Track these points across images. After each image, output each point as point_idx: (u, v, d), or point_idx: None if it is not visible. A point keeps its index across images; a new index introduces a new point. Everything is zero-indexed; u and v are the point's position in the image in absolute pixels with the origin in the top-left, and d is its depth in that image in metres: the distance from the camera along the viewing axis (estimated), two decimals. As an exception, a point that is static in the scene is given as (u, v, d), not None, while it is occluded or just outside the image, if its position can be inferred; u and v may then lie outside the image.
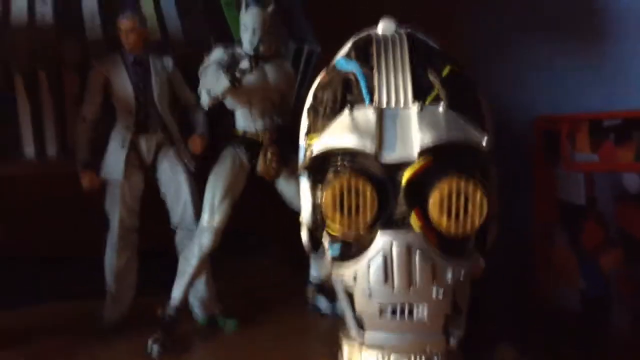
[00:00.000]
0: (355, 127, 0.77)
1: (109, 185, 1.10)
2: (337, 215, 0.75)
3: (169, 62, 1.13)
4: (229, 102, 1.06)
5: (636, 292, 1.32)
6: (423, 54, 0.79)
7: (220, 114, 1.09)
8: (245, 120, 1.08)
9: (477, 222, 0.73)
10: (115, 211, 1.10)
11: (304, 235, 0.87)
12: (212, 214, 1.04)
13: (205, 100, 1.01)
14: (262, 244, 1.34)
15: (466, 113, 0.76)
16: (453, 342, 0.78)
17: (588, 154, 1.40)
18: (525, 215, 1.53)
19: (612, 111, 1.39)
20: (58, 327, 1.12)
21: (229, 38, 1.19)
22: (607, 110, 1.39)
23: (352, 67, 0.81)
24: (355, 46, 0.83)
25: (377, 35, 0.85)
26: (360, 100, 0.78)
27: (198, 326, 1.13)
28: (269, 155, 1.06)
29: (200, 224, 1.05)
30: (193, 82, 1.08)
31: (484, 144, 0.73)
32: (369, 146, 0.75)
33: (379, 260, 0.75)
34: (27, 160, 1.16)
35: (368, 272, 0.76)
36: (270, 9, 1.07)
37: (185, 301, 1.07)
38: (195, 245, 1.05)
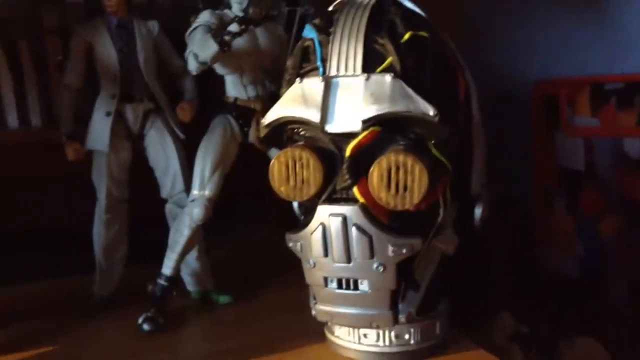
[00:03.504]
0: (303, 97, 0.77)
1: (94, 157, 1.06)
2: (283, 187, 0.76)
3: (154, 26, 1.08)
4: (219, 68, 1.01)
5: (634, 260, 1.30)
6: (388, 20, 0.77)
7: (210, 80, 1.04)
8: (236, 87, 1.03)
9: (416, 196, 0.72)
10: (102, 183, 1.06)
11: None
12: (203, 185, 1.00)
13: (192, 66, 0.96)
14: (262, 219, 1.31)
15: (425, 81, 0.75)
16: (402, 318, 0.79)
17: (588, 118, 1.36)
18: (525, 180, 1.51)
19: (614, 74, 1.37)
20: (47, 306, 1.09)
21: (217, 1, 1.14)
22: (609, 73, 1.37)
23: (311, 35, 0.80)
24: (326, 12, 0.82)
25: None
26: (316, 69, 0.77)
27: (191, 302, 1.10)
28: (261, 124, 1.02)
29: (191, 195, 1.01)
30: (180, 47, 1.03)
31: (431, 114, 0.71)
32: (314, 116, 0.75)
33: (318, 233, 0.75)
34: (10, 130, 1.12)
35: (310, 244, 0.76)
36: None
37: (177, 274, 1.03)
38: (186, 216, 1.01)
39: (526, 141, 1.51)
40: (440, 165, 0.76)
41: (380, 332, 0.82)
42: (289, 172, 0.76)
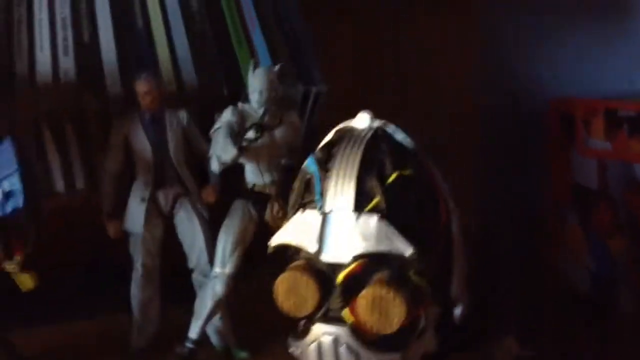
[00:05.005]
0: (303, 227, 0.87)
1: (131, 235, 1.21)
2: (285, 304, 0.87)
3: (184, 115, 1.20)
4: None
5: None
6: (378, 160, 0.86)
7: (232, 167, 1.15)
8: (253, 175, 1.15)
9: (395, 322, 0.82)
10: (138, 255, 1.20)
11: None
12: (224, 263, 1.13)
13: (215, 166, 1.09)
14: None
15: (408, 217, 0.84)
16: None
17: (602, 142, 1.43)
18: (539, 196, 1.59)
19: (632, 98, 1.41)
20: (82, 346, 1.22)
21: (240, 78, 1.25)
22: (629, 96, 1.42)
23: (312, 170, 0.89)
24: (325, 145, 0.91)
25: (350, 130, 0.91)
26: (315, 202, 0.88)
27: (215, 353, 1.24)
28: (275, 207, 1.14)
29: (213, 272, 1.15)
30: (207, 133, 1.15)
31: (406, 255, 0.82)
32: (311, 247, 0.86)
33: (313, 347, 0.86)
34: (58, 194, 1.24)
35: (307, 355, 0.87)
36: (276, 67, 1.14)
37: (203, 336, 1.18)
38: (209, 289, 1.15)
39: (541, 157, 1.57)
40: (420, 289, 0.87)
41: None
42: (290, 291, 0.88)
